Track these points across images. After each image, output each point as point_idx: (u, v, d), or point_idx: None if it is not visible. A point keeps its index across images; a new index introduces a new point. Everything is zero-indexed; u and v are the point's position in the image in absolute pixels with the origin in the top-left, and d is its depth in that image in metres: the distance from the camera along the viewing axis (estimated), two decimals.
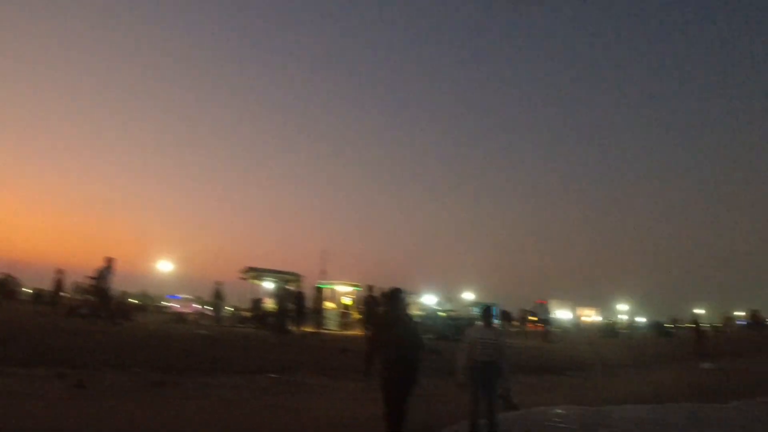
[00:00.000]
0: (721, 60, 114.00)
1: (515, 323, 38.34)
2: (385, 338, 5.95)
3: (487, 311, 6.60)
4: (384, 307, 7.70)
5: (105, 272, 15.40)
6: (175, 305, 40.19)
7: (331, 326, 22.04)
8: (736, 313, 60.37)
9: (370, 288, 17.92)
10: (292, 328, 19.17)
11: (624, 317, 55.97)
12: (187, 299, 41.67)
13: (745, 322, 54.02)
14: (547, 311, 25.26)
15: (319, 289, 21.77)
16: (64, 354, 9.30)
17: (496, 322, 6.68)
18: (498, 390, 5.99)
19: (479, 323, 6.49)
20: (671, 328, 43.99)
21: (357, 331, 20.21)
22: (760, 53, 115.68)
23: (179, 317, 23.71)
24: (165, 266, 40.32)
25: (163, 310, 40.17)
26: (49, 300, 20.96)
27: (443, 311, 22.53)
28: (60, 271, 20.19)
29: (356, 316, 24.07)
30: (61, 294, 21.58)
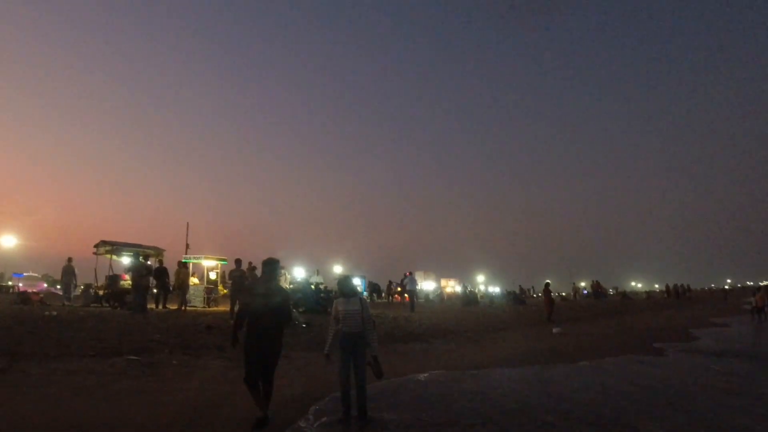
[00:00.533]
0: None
1: (383, 295, 39.40)
2: (251, 307, 5.89)
3: (345, 282, 6.70)
4: (252, 279, 7.75)
5: None
6: (20, 284, 37.16)
7: (196, 303, 21.30)
8: (581, 284, 67.06)
9: (238, 262, 17.61)
10: (153, 306, 18.34)
11: (481, 287, 59.56)
12: (33, 277, 38.69)
13: (587, 292, 60.33)
14: (413, 282, 26.12)
15: (183, 264, 20.88)
16: None
17: (360, 293, 6.82)
18: (366, 359, 6.17)
19: (341, 296, 6.56)
20: (523, 296, 47.59)
21: (223, 307, 19.74)
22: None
23: (25, 297, 21.65)
24: (8, 241, 36.65)
25: (6, 289, 36.90)
26: None
27: (313, 284, 22.57)
28: None
29: (222, 291, 23.50)
30: None
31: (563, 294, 64.69)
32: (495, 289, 59.28)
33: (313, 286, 21.91)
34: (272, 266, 6.19)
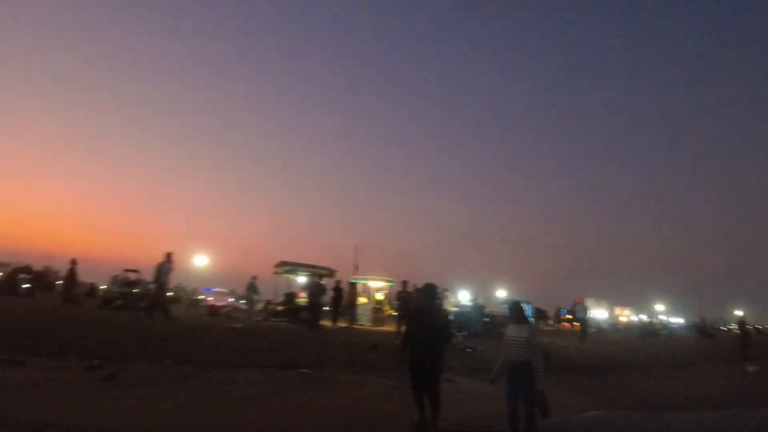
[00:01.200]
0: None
1: (550, 322, 37.58)
2: (415, 329, 6.30)
3: (515, 308, 6.30)
4: (416, 302, 8.00)
5: (164, 267, 15.78)
6: (210, 298, 40.68)
7: (364, 321, 21.86)
8: None
9: (404, 284, 17.73)
10: (326, 322, 19.08)
11: (662, 317, 54.50)
12: (221, 293, 41.98)
13: None
14: (584, 310, 24.54)
15: (352, 285, 21.57)
16: (96, 346, 9.31)
17: (529, 319, 6.41)
18: (533, 392, 5.66)
19: (511, 322, 6.20)
20: (711, 329, 42.60)
21: (389, 327, 19.99)
22: None
23: (213, 310, 23.82)
24: (201, 261, 40.73)
25: (197, 303, 40.65)
26: (63, 291, 20.69)
27: (477, 308, 22.08)
28: (74, 262, 19.74)
29: (388, 311, 23.88)
30: (76, 284, 21.14)
31: (760, 327, 56.89)
32: (677, 320, 53.95)
33: (476, 311, 21.43)
34: (429, 290, 6.68)
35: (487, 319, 19.93)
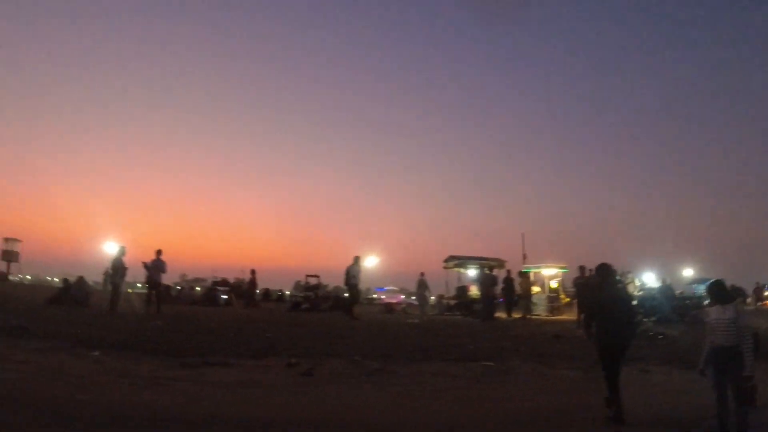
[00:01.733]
0: None
1: (749, 300, 33.61)
2: (596, 311, 6.23)
3: (717, 288, 5.59)
4: (596, 285, 7.57)
5: (353, 269, 16.98)
6: (383, 297, 42.05)
7: (540, 312, 21.21)
8: None
9: (581, 269, 16.90)
10: (500, 314, 18.83)
11: None
12: (392, 290, 43.17)
13: None
14: None
15: (524, 274, 21.07)
16: (291, 345, 10.02)
17: (731, 299, 5.63)
18: (743, 381, 5.01)
19: (713, 303, 5.52)
20: None
21: (567, 316, 19.19)
22: None
23: (389, 308, 24.68)
24: (371, 261, 42.49)
25: (372, 301, 42.26)
26: (247, 297, 23.95)
27: (666, 290, 20.34)
28: (253, 272, 23.82)
29: (565, 300, 22.94)
30: (256, 291, 25.24)
31: None
32: None
33: (664, 293, 19.76)
34: (604, 271, 6.52)
35: (679, 302, 18.28)
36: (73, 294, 17.41)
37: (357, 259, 17.24)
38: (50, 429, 4.81)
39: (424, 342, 10.91)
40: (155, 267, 15.94)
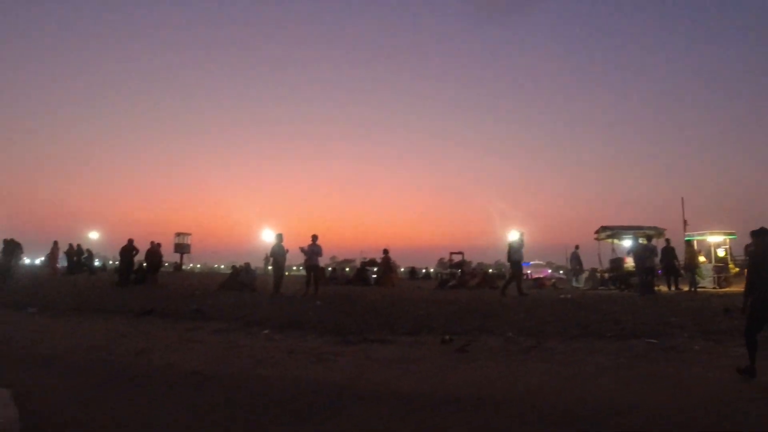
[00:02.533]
0: None
1: None
2: (755, 277, 6.21)
3: None
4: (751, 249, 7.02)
5: (515, 245, 16.79)
6: (529, 271, 41.33)
7: (706, 284, 19.58)
8: None
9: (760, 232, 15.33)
10: (661, 287, 17.72)
11: None
12: (538, 264, 42.28)
13: None
14: None
15: (688, 243, 19.57)
16: (443, 323, 10.22)
17: None
18: None
19: None
20: None
21: (736, 288, 17.54)
22: None
23: (538, 283, 24.15)
24: (514, 235, 41.69)
25: None
26: (379, 276, 25.05)
27: None
28: (386, 251, 24.85)
29: (734, 269, 20.99)
30: (392, 270, 25.75)
31: None
32: None
33: None
34: (762, 233, 6.41)
35: None
36: (241, 279, 19.06)
37: (520, 234, 17.00)
38: (249, 399, 5.40)
39: (580, 318, 10.57)
40: (312, 251, 16.95)
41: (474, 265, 37.79)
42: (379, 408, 5.03)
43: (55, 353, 7.90)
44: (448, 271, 30.38)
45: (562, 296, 15.30)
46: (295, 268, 42.77)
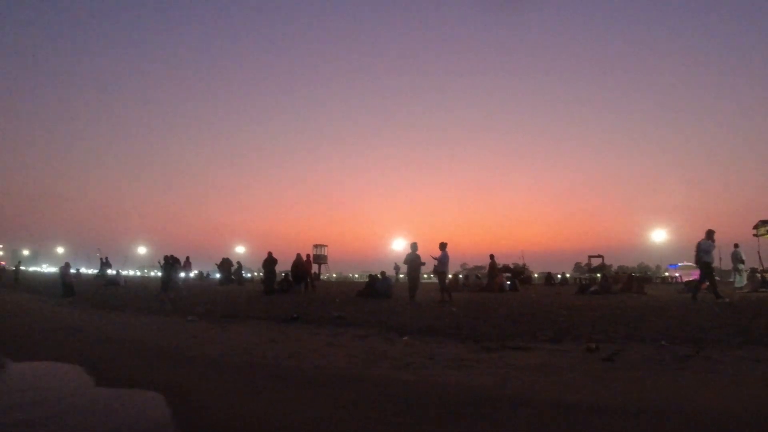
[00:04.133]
0: None
1: None
2: None
3: None
4: None
5: (705, 245, 15.75)
6: (677, 274, 38.49)
7: None
8: None
9: None
10: None
11: None
12: (687, 266, 39.46)
13: None
14: None
15: None
16: (586, 329, 9.82)
17: None
18: None
19: None
20: None
21: None
22: None
23: (687, 286, 22.39)
24: (659, 235, 39.02)
25: (667, 280, 38.93)
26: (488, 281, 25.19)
27: None
28: (492, 257, 24.94)
29: None
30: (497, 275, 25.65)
31: None
32: None
33: None
34: None
35: None
36: (377, 287, 19.62)
37: (710, 234, 15.62)
38: (394, 401, 5.55)
39: (741, 324, 9.68)
40: (442, 259, 17.15)
41: (614, 268, 35.90)
42: (525, 414, 4.96)
43: (214, 356, 8.60)
44: (587, 275, 29.11)
45: (719, 300, 14.05)
46: (426, 276, 43.31)
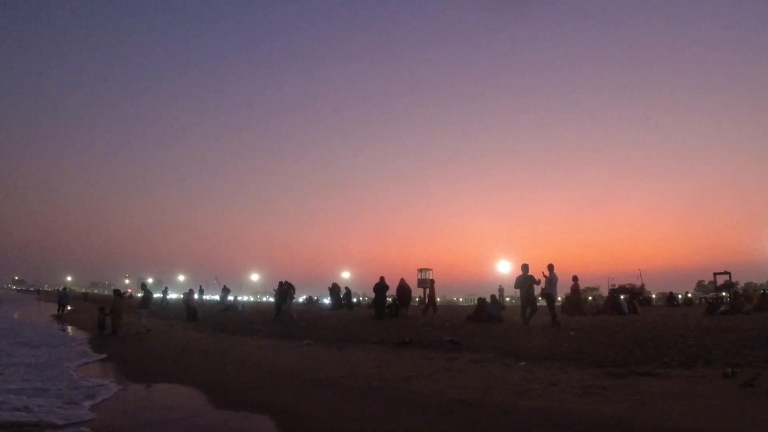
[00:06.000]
0: None
1: None
2: None
3: None
4: None
5: None
6: None
7: None
8: None
9: None
10: None
11: None
12: None
13: None
14: None
15: None
16: (720, 353, 9.22)
17: None
18: None
19: None
20: None
21: None
22: None
23: None
24: None
25: None
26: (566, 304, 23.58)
27: None
28: (575, 278, 23.33)
29: None
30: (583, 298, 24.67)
31: None
32: None
33: None
34: None
35: None
36: (488, 310, 19.39)
37: None
38: (518, 428, 5.53)
39: None
40: (550, 281, 16.71)
41: (740, 285, 33.19)
42: None
43: (334, 379, 8.91)
44: (712, 294, 27.16)
45: None
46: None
